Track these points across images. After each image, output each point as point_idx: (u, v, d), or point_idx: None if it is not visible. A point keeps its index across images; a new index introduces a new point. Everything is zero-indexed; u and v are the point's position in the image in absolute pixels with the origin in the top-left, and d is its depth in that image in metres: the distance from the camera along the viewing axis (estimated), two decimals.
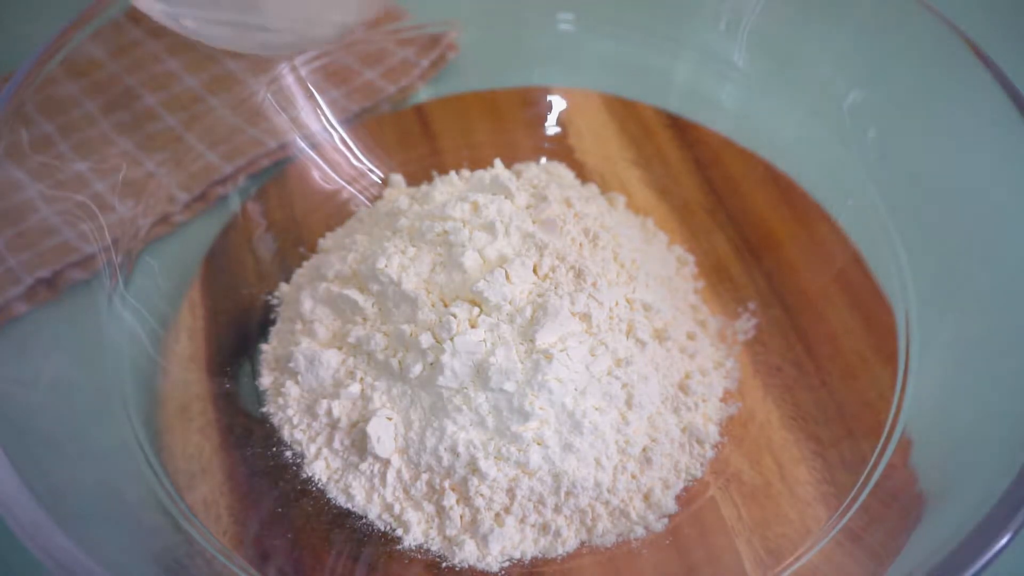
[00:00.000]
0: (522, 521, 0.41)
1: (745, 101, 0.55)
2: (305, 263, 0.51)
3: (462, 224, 0.44)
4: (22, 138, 0.43)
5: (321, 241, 0.52)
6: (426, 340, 0.41)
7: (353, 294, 0.45)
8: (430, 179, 0.54)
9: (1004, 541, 0.31)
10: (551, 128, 0.58)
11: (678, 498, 0.42)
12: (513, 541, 0.41)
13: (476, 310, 0.42)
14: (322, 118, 0.56)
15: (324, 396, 0.43)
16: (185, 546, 0.39)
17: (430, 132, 0.58)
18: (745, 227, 0.53)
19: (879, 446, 0.41)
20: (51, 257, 0.47)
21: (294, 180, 0.55)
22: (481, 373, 0.41)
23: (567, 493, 0.41)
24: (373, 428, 0.41)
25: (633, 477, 0.42)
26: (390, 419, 0.42)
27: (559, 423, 0.41)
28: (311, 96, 0.56)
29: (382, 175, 0.55)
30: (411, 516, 0.41)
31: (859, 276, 0.49)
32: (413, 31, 0.59)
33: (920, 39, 0.46)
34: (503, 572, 0.40)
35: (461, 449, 0.41)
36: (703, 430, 0.44)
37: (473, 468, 0.41)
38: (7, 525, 0.31)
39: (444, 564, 0.40)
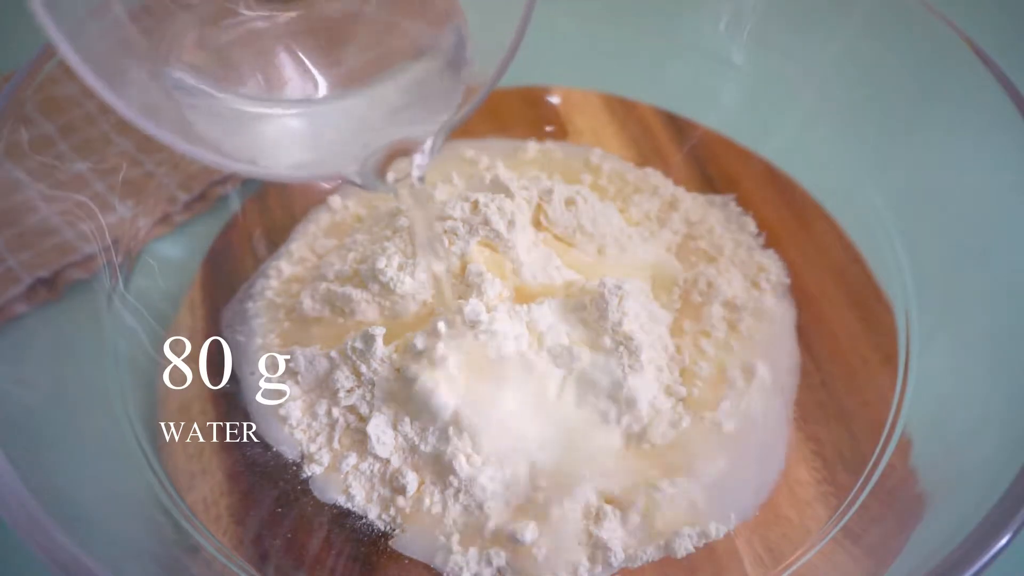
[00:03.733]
0: None
1: (745, 100, 0.55)
2: None
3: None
4: (22, 138, 0.43)
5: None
6: (421, 342, 0.41)
7: (353, 293, 0.45)
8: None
9: (1004, 541, 0.31)
10: (551, 128, 0.57)
11: None
12: None
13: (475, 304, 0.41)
14: None
15: (324, 396, 0.43)
16: (185, 546, 0.39)
17: None
18: None
19: (879, 446, 0.41)
20: (51, 257, 0.47)
21: None
22: None
23: None
24: (373, 428, 0.41)
25: None
26: (390, 419, 0.42)
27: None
28: None
29: None
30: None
31: (859, 276, 0.49)
32: None
33: (920, 39, 0.46)
34: None
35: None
36: None
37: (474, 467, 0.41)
38: (7, 525, 0.31)
39: None
